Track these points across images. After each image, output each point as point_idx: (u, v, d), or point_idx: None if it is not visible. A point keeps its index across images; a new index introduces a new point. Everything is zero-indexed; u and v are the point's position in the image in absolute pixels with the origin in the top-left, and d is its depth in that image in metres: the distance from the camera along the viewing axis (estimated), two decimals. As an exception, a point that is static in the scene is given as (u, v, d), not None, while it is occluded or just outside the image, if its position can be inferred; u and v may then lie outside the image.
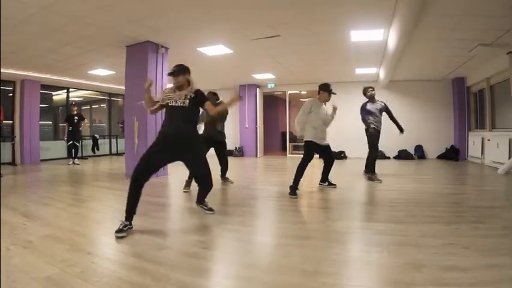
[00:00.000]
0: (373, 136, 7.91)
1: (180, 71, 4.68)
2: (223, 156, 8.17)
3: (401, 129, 8.19)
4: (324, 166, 7.15)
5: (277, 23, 7.39)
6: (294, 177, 6.36)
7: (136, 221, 4.36)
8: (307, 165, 6.45)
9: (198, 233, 4.22)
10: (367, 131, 8.06)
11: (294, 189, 6.28)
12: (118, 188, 7.36)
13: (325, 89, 6.84)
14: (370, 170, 8.11)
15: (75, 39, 8.24)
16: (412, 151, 14.19)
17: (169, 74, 4.67)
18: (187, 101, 4.48)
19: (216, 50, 9.61)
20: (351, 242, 3.87)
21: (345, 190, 6.86)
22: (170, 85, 4.85)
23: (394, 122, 8.28)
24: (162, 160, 4.62)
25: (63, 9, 6.26)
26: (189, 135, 4.53)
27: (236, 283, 2.80)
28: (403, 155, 14.02)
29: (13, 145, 12.97)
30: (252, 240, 4.02)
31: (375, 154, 8.10)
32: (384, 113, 8.21)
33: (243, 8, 6.53)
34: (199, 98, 4.62)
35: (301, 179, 6.41)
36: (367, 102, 8.16)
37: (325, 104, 6.94)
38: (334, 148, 14.82)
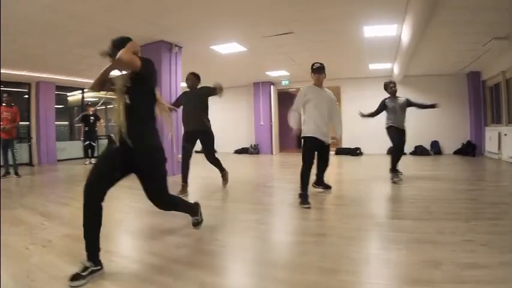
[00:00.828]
0: (388, 133, 7.53)
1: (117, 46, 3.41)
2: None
3: (433, 106, 7.65)
4: (318, 167, 6.19)
5: (291, 20, 7.37)
6: (300, 184, 5.53)
7: (155, 220, 4.39)
8: (310, 168, 5.55)
9: (215, 231, 4.24)
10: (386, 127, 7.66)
11: (304, 197, 5.42)
12: (135, 187, 7.36)
13: (316, 69, 5.75)
14: (391, 169, 7.52)
15: (88, 41, 8.28)
16: (428, 147, 13.97)
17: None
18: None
19: (230, 47, 9.61)
20: (368, 240, 3.86)
21: (362, 187, 6.82)
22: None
23: (425, 108, 7.93)
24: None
25: (76, 10, 6.30)
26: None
27: (254, 281, 2.81)
28: (419, 151, 13.78)
29: (30, 146, 13.14)
30: (268, 237, 4.04)
31: (393, 152, 7.61)
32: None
33: (256, 6, 6.52)
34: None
35: (308, 185, 5.55)
36: (387, 98, 7.68)
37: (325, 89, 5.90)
38: (350, 144, 14.90)
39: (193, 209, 4.10)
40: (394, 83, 7.74)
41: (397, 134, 7.39)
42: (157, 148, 3.32)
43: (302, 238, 3.91)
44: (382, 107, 7.64)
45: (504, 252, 3.16)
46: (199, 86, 6.51)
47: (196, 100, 6.33)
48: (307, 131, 5.60)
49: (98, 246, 2.93)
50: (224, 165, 6.83)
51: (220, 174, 6.96)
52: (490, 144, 12.42)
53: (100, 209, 3.13)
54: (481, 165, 10.54)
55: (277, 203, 5.85)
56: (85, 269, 2.76)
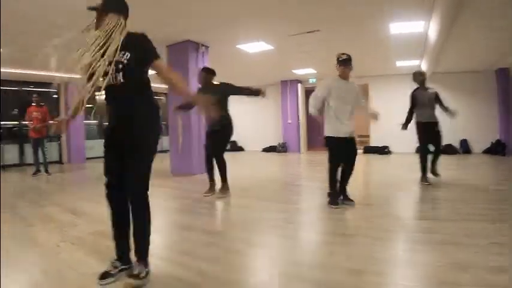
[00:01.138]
0: (417, 130, 6.98)
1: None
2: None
3: (452, 113, 6.88)
4: (342, 171, 5.37)
5: (317, 18, 7.32)
6: (328, 183, 5.32)
7: (183, 218, 4.42)
8: (337, 167, 5.27)
9: (243, 229, 4.23)
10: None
11: (332, 197, 5.25)
12: (164, 184, 7.47)
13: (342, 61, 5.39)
14: (421, 171, 6.91)
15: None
16: (457, 145, 13.71)
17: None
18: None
19: (257, 46, 9.61)
20: (395, 240, 3.79)
21: (389, 186, 6.74)
22: None
23: (445, 112, 6.96)
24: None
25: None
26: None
27: (281, 280, 2.78)
28: (448, 150, 13.43)
29: (59, 144, 13.40)
30: (296, 237, 4.01)
31: (421, 152, 6.99)
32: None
33: (282, 4, 6.49)
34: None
35: (337, 184, 5.32)
36: (416, 89, 7.11)
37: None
38: (378, 143, 14.76)
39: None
40: (423, 72, 7.31)
41: (424, 131, 6.88)
42: (152, 119, 2.89)
43: (329, 238, 3.88)
44: (413, 100, 7.07)
45: (534, 256, 3.05)
46: (217, 82, 6.30)
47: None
48: (330, 130, 5.28)
49: (128, 245, 2.87)
50: (252, 163, 6.79)
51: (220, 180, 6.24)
52: (520, 143, 12.04)
53: (124, 208, 2.85)
54: (510, 164, 10.30)
55: (305, 201, 5.82)
56: (114, 267, 2.75)
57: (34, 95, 9.61)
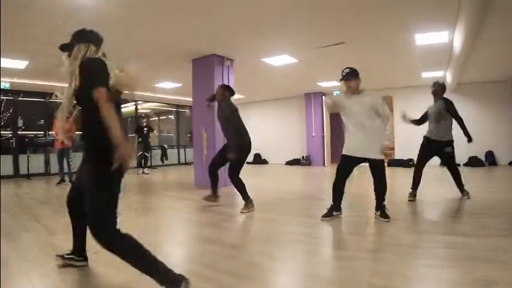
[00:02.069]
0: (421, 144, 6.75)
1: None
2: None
3: (469, 139, 6.52)
4: (374, 188, 5.22)
5: (342, 31, 7.33)
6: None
7: (205, 231, 4.43)
8: (339, 181, 5.21)
9: (265, 243, 4.22)
10: None
11: (328, 209, 5.26)
12: (187, 197, 7.51)
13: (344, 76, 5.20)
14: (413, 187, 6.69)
15: (140, 56, 8.54)
16: (482, 157, 13.41)
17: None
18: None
19: (281, 60, 9.65)
20: (421, 256, 3.70)
21: (414, 200, 6.65)
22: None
23: (462, 129, 6.48)
24: None
25: (127, 25, 6.50)
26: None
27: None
28: (473, 162, 13.26)
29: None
30: (319, 252, 3.97)
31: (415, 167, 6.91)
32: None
33: (307, 17, 6.52)
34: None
35: (341, 199, 5.31)
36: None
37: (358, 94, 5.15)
38: (402, 155, 14.58)
39: (166, 277, 2.64)
40: (435, 82, 6.70)
41: (423, 149, 6.69)
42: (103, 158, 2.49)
43: (353, 253, 3.82)
44: (424, 113, 6.78)
45: None
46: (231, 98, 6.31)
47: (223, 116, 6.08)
48: (344, 148, 5.17)
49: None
50: (275, 176, 6.76)
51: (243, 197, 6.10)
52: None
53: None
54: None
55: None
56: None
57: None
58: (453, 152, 6.48)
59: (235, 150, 5.83)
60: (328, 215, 5.19)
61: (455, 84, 12.77)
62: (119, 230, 2.63)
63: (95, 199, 2.58)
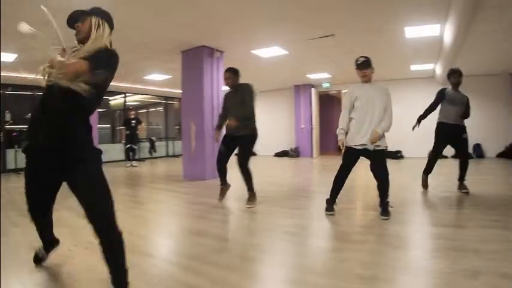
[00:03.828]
0: (435, 132, 6.65)
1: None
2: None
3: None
4: (377, 185, 5.07)
5: (332, 23, 7.31)
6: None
7: (194, 223, 4.42)
8: (342, 175, 5.09)
9: (255, 235, 4.23)
10: None
11: (328, 203, 5.15)
12: (176, 189, 7.49)
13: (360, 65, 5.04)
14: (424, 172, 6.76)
15: (129, 46, 8.46)
16: (470, 150, 13.35)
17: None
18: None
19: (271, 51, 9.62)
20: (408, 247, 3.74)
21: (402, 192, 6.66)
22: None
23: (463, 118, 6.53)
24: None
25: (117, 16, 6.42)
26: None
27: (293, 287, 2.77)
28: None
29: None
30: (308, 243, 3.98)
31: (431, 156, 6.73)
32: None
33: (297, 9, 6.48)
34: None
35: (337, 192, 5.17)
36: (448, 88, 6.78)
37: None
38: (390, 147, 14.46)
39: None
40: (460, 72, 6.70)
41: (443, 132, 6.45)
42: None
43: (342, 244, 3.85)
44: (441, 97, 6.58)
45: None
46: (240, 82, 5.98)
47: (237, 101, 5.74)
48: (348, 139, 4.98)
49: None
50: (264, 168, 6.72)
51: (246, 189, 5.92)
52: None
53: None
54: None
55: (317, 207, 5.77)
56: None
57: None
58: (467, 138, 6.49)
59: (254, 136, 5.78)
60: (331, 208, 5.10)
61: (445, 78, 12.85)
62: None
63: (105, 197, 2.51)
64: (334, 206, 5.16)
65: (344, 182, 5.11)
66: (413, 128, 6.56)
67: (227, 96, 6.05)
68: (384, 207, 4.90)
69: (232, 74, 5.87)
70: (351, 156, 5.00)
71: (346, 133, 4.99)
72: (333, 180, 5.18)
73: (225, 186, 6.05)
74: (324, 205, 5.19)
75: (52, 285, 2.78)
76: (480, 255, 3.26)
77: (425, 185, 6.69)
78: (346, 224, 4.65)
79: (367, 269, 3.04)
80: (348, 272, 3.00)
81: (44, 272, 3.03)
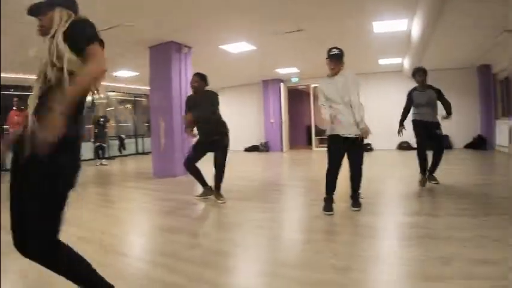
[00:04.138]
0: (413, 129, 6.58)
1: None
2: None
3: (448, 115, 6.58)
4: (350, 175, 5.01)
5: (300, 17, 7.34)
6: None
7: (166, 220, 4.40)
8: (333, 170, 4.84)
9: (227, 230, 4.25)
10: None
11: (326, 202, 4.82)
12: (147, 187, 7.44)
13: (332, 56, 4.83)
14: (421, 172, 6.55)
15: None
16: (439, 141, 13.75)
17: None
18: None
19: (239, 47, 9.61)
20: (380, 237, 3.84)
21: (373, 183, 6.76)
22: None
23: (446, 109, 6.61)
24: None
25: (86, 11, 6.32)
26: None
27: (267, 280, 2.79)
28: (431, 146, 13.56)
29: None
30: (281, 236, 4.03)
31: (418, 151, 6.58)
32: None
33: (265, 4, 6.50)
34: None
35: (333, 189, 4.87)
36: (414, 89, 6.68)
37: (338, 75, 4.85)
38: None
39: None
40: (424, 70, 6.61)
41: (420, 130, 6.43)
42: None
43: (314, 236, 3.90)
44: (409, 101, 6.60)
45: (515, 247, 3.13)
46: (206, 88, 5.86)
47: (204, 104, 5.60)
48: (327, 130, 4.88)
49: None
50: (235, 163, 6.70)
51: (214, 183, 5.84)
52: (500, 138, 12.29)
53: None
54: (492, 159, 10.56)
55: (289, 201, 5.84)
56: None
57: (15, 99, 9.41)
58: (442, 134, 6.59)
59: (227, 138, 5.80)
60: (331, 208, 4.77)
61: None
62: None
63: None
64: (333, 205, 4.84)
65: (337, 174, 4.87)
66: (398, 132, 6.59)
67: (191, 98, 5.92)
68: (356, 199, 4.92)
69: (200, 78, 5.76)
70: (336, 143, 4.81)
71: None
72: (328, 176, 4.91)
73: (207, 186, 5.94)
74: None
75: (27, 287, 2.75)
76: (452, 242, 3.36)
77: (423, 184, 6.40)
78: (320, 217, 4.66)
79: (340, 260, 3.10)
80: (322, 263, 3.04)
81: (18, 274, 2.97)
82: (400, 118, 6.61)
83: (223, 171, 5.75)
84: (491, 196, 5.48)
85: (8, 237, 1.98)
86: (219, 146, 5.68)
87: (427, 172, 6.35)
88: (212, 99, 5.61)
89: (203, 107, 5.51)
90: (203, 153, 5.80)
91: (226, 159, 5.78)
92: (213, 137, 5.62)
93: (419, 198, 5.52)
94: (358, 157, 4.93)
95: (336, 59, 4.80)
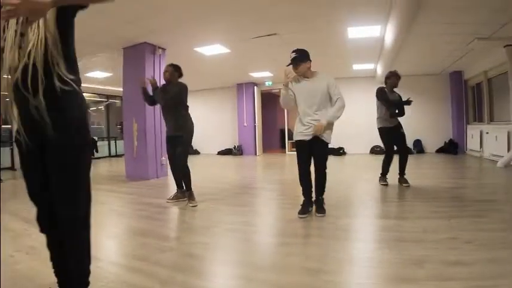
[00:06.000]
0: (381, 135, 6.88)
1: None
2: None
3: (408, 102, 6.76)
4: (315, 179, 4.91)
5: (274, 22, 7.40)
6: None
7: (139, 224, 4.37)
8: (304, 174, 4.85)
9: (201, 234, 4.23)
10: None
11: (302, 205, 4.83)
12: (119, 190, 7.36)
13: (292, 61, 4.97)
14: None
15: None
16: (411, 146, 14.00)
17: None
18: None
19: (213, 49, 9.62)
20: (353, 239, 3.88)
21: (345, 187, 6.85)
22: None
23: (403, 105, 6.79)
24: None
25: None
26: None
27: (240, 283, 2.81)
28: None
29: (12, 150, 12.88)
30: (254, 239, 4.03)
31: (386, 153, 6.93)
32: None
33: (240, 7, 6.54)
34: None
35: (309, 192, 4.88)
36: (384, 88, 6.85)
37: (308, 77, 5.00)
38: (332, 144, 14.71)
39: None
40: (398, 75, 6.84)
41: (388, 134, 6.73)
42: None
43: (287, 239, 3.91)
44: (386, 95, 6.68)
45: (488, 249, 3.21)
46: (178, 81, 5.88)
47: (170, 97, 5.65)
48: (294, 135, 4.95)
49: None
50: (208, 166, 6.72)
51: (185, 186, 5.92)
52: (472, 142, 12.67)
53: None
54: (463, 163, 10.74)
55: (262, 204, 5.85)
56: None
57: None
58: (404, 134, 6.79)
59: (190, 134, 5.76)
60: (305, 211, 4.74)
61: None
62: None
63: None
64: (310, 209, 4.86)
65: (308, 178, 4.86)
66: (410, 102, 6.77)
67: (161, 87, 5.96)
68: (320, 205, 4.86)
69: (172, 68, 5.80)
70: (301, 148, 4.83)
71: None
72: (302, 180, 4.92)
73: (182, 189, 5.99)
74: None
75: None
76: (424, 244, 3.42)
77: (383, 184, 6.80)
78: (293, 220, 4.68)
79: (313, 262, 3.13)
80: (295, 266, 3.07)
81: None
82: (391, 110, 6.68)
83: (187, 172, 5.75)
84: (463, 199, 5.60)
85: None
86: (180, 142, 5.66)
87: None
88: (181, 90, 5.64)
89: (171, 96, 5.57)
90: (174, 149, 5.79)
91: (188, 156, 5.80)
92: (176, 133, 5.64)
93: (391, 201, 5.62)
94: (320, 160, 4.86)
95: (295, 62, 4.89)
